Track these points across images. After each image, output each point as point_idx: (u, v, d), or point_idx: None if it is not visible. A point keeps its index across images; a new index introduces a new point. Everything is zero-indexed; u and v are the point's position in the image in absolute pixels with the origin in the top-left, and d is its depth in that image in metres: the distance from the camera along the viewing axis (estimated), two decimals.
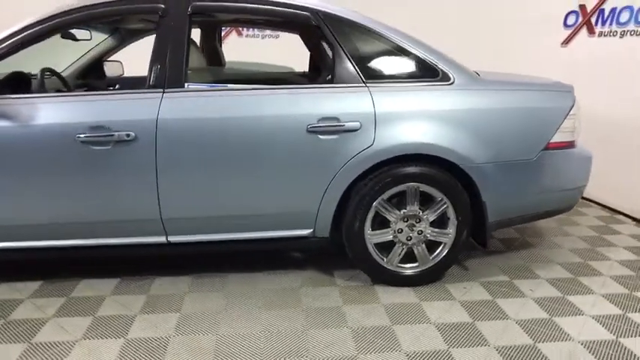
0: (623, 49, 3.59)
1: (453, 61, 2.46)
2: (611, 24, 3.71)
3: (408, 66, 2.41)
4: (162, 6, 2.25)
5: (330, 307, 2.31)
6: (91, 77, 3.44)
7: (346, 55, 2.34)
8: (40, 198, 2.19)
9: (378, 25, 2.40)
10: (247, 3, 2.31)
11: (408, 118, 2.30)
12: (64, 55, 3.42)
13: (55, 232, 2.27)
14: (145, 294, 2.41)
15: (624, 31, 3.59)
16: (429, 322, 2.20)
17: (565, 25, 4.12)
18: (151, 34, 3.20)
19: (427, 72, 2.40)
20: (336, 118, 2.25)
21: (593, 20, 3.86)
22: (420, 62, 2.40)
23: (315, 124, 2.23)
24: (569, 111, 2.48)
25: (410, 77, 2.39)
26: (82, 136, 2.12)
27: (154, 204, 2.25)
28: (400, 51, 2.40)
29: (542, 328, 2.16)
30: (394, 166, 2.33)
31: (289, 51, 3.73)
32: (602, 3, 3.77)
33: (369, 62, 2.37)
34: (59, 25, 2.19)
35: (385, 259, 2.46)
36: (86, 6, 2.21)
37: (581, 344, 2.04)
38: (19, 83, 2.45)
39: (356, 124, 2.26)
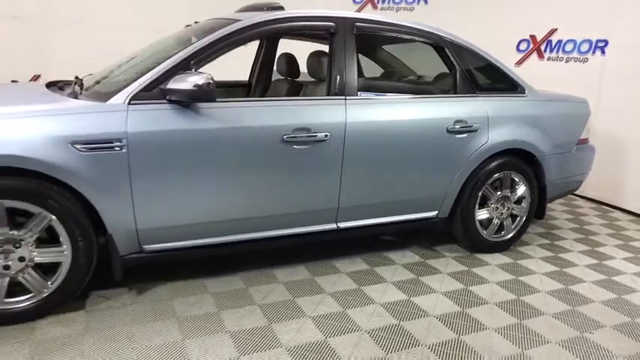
0: (568, 71, 4.84)
1: (521, 77, 3.26)
2: (557, 52, 4.96)
3: (500, 81, 3.14)
4: (333, 24, 2.61)
5: (461, 271, 2.91)
6: None
7: (463, 71, 2.97)
8: (247, 193, 2.38)
9: (480, 49, 3.08)
10: (394, 27, 2.81)
11: (506, 122, 3.02)
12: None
13: (252, 225, 2.46)
14: None
15: (569, 57, 4.86)
16: (535, 273, 2.95)
17: (518, 49, 5.30)
18: None
19: (511, 86, 3.16)
20: (465, 121, 2.87)
21: (542, 47, 5.08)
22: (507, 78, 3.16)
23: (452, 125, 2.82)
24: (589, 116, 3.48)
25: (502, 90, 3.13)
26: (288, 136, 2.38)
27: (335, 194, 2.59)
28: (494, 69, 3.12)
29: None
30: (496, 158, 3.03)
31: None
32: (550, 35, 5.00)
33: (475, 77, 3.04)
34: (255, 35, 2.42)
35: (485, 232, 3.15)
36: (278, 19, 2.47)
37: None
38: None
39: (478, 126, 2.91)
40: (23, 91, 2.51)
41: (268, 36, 2.59)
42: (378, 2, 6.18)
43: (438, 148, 2.81)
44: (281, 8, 2.72)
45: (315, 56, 2.90)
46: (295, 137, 2.40)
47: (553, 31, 4.97)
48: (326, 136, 2.47)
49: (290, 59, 3.38)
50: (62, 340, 2.00)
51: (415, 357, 2.03)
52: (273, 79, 3.87)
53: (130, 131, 2.09)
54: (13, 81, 5.19)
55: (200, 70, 2.20)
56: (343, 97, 2.57)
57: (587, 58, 4.69)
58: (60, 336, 2.02)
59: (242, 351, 2.00)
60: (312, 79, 3.07)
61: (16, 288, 2.09)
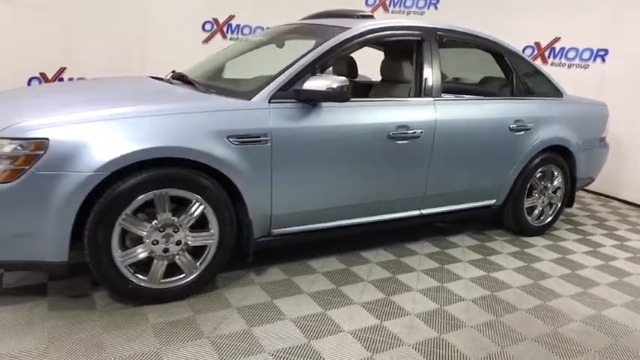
0: (571, 76, 5.40)
1: (558, 83, 3.73)
2: (560, 58, 5.51)
3: (544, 85, 3.59)
4: (422, 33, 2.95)
5: (517, 251, 3.34)
6: None
7: (518, 76, 3.39)
8: (360, 182, 2.69)
9: (528, 58, 3.52)
10: (466, 36, 3.18)
11: (551, 121, 3.48)
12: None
13: (358, 210, 2.77)
14: None
15: (571, 64, 5.42)
16: (576, 252, 3.43)
17: None
18: None
19: (552, 90, 3.62)
20: (522, 120, 3.29)
21: (546, 54, 5.63)
22: (550, 83, 3.61)
23: (512, 124, 3.23)
24: (608, 117, 4.01)
25: (546, 93, 3.57)
26: (392, 132, 2.70)
27: (423, 184, 2.94)
28: (540, 75, 3.57)
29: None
30: (542, 153, 3.47)
31: None
32: (553, 43, 5.55)
33: (527, 82, 3.47)
34: (364, 42, 2.72)
35: (530, 218, 3.59)
36: (383, 28, 2.80)
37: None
38: None
39: (532, 125, 3.34)
40: (150, 86, 2.68)
41: (372, 43, 2.87)
42: (389, 5, 6.53)
43: (502, 143, 3.22)
44: (371, 17, 3.02)
45: (393, 60, 3.22)
46: (398, 133, 2.72)
47: (556, 39, 5.52)
48: (421, 132, 2.81)
49: (350, 61, 3.68)
50: (222, 315, 2.23)
51: (520, 319, 2.42)
52: None
53: (272, 127, 2.34)
54: (41, 73, 5.17)
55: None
56: (432, 98, 2.91)
57: (588, 65, 5.27)
58: (222, 313, 2.26)
59: (380, 318, 2.31)
60: (384, 81, 3.38)
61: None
